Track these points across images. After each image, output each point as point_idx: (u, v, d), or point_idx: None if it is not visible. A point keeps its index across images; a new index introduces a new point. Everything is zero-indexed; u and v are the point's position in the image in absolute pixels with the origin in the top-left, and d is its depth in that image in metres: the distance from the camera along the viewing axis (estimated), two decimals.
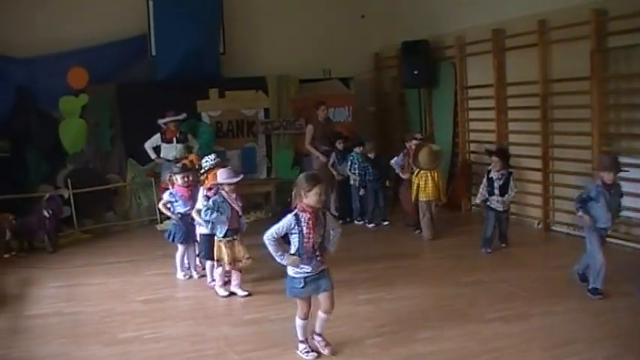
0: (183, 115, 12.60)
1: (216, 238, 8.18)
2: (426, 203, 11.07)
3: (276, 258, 6.03)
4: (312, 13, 15.16)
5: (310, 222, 5.93)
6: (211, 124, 13.68)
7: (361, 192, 12.35)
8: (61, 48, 12.71)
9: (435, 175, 11.08)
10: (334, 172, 12.54)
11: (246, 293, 8.23)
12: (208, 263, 8.67)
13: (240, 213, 8.26)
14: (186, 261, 9.28)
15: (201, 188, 8.68)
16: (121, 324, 7.36)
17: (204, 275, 8.98)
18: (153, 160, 12.64)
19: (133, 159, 13.11)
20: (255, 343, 6.64)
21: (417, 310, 7.50)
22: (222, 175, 8.08)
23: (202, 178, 8.77)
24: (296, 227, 5.95)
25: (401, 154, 11.78)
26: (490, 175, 10.07)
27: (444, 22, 13.52)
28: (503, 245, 10.20)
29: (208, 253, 8.51)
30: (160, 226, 12.08)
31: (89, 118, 12.93)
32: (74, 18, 13.05)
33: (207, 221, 8.12)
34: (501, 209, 10.06)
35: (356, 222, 12.48)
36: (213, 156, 8.82)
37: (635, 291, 7.59)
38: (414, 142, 11.53)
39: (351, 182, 12.37)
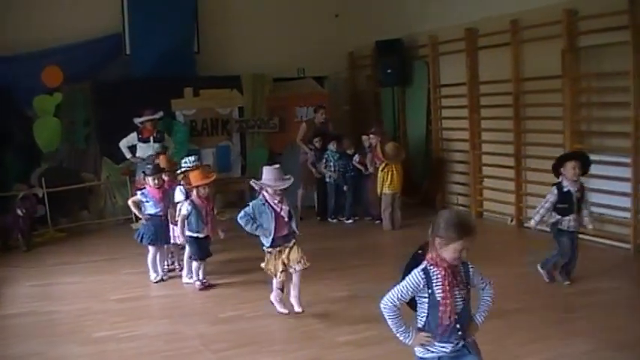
0: (160, 114, 12.51)
1: (264, 248, 7.22)
2: (391, 196, 11.63)
3: (399, 336, 4.18)
4: (286, 12, 15.16)
5: (446, 281, 4.06)
6: (186, 123, 13.64)
7: (345, 187, 12.48)
8: (35, 47, 12.64)
9: (399, 168, 11.63)
10: (313, 170, 12.64)
11: (301, 310, 7.31)
12: (194, 264, 8.52)
13: (287, 217, 7.11)
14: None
15: (178, 188, 8.73)
16: (97, 323, 7.35)
17: (173, 276, 8.99)
18: (128, 159, 12.52)
19: (107, 158, 13.03)
20: (231, 342, 6.66)
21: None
22: (266, 175, 7.06)
23: (180, 177, 8.74)
24: (426, 288, 4.09)
25: (368, 151, 12.16)
26: (566, 189, 7.87)
27: (417, 21, 13.57)
28: (567, 283, 8.12)
29: (197, 254, 8.39)
30: (135, 225, 12.00)
31: (64, 117, 12.89)
32: (49, 17, 12.96)
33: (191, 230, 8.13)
34: (575, 229, 8.03)
35: (330, 220, 12.57)
36: (192, 158, 8.79)
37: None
38: (372, 136, 12.06)
39: (327, 180, 12.46)
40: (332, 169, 12.30)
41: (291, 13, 15.20)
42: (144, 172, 9.40)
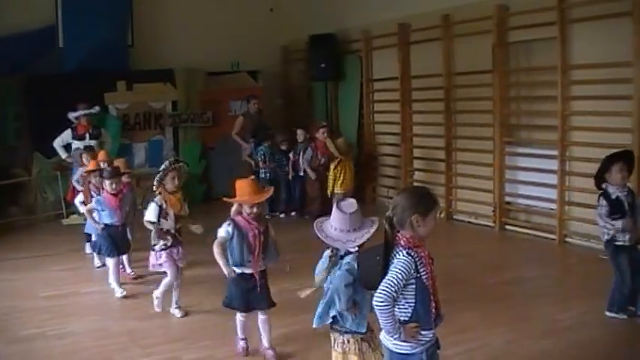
0: (96, 109, 12.11)
1: (348, 341, 4.72)
2: (342, 195, 11.36)
3: (391, 332, 3.85)
4: (220, 6, 15.10)
5: (429, 260, 3.91)
6: (118, 117, 13.51)
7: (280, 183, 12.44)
8: None
9: (351, 166, 11.64)
10: (252, 163, 12.59)
11: None
12: (238, 316, 6.21)
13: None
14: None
15: (152, 204, 7.23)
16: (24, 320, 7.25)
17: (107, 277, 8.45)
18: (63, 159, 11.97)
19: (39, 152, 12.78)
20: (160, 338, 6.65)
21: (316, 300, 7.52)
22: (337, 216, 4.78)
23: (157, 189, 7.21)
24: (415, 273, 3.81)
25: (309, 149, 12.01)
26: (614, 195, 6.34)
27: (350, 16, 13.64)
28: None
29: (236, 300, 6.10)
30: (65, 221, 11.87)
31: None
32: None
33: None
34: (631, 242, 6.43)
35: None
36: (167, 162, 7.37)
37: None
38: (322, 130, 11.85)
39: (261, 175, 12.40)
40: (266, 164, 12.26)
41: (225, 6, 15.14)
42: (102, 175, 8.40)
